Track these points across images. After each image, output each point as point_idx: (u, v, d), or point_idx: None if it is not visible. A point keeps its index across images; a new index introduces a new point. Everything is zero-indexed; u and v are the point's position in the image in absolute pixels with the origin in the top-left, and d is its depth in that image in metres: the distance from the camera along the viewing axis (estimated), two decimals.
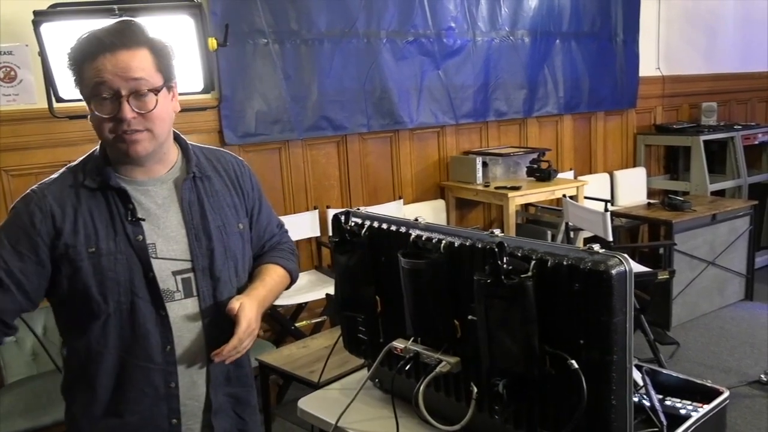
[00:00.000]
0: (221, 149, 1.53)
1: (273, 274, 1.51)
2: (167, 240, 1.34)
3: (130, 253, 1.29)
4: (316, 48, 3.77)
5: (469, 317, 1.25)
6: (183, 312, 1.34)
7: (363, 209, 1.65)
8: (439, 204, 4.44)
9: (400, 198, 4.26)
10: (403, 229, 1.47)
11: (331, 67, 3.82)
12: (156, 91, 1.26)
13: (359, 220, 1.58)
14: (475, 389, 1.29)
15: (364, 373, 1.70)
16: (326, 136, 3.92)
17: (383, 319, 1.55)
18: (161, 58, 1.28)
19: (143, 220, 1.32)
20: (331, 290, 1.85)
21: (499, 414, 1.23)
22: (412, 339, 1.41)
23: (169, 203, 1.36)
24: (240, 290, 1.44)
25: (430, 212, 4.29)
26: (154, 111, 1.26)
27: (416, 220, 1.49)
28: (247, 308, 1.36)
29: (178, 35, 2.44)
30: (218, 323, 1.37)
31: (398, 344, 1.41)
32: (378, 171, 4.20)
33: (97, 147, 1.37)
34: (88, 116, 1.29)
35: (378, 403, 1.62)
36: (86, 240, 1.28)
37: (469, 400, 1.31)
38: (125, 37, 1.25)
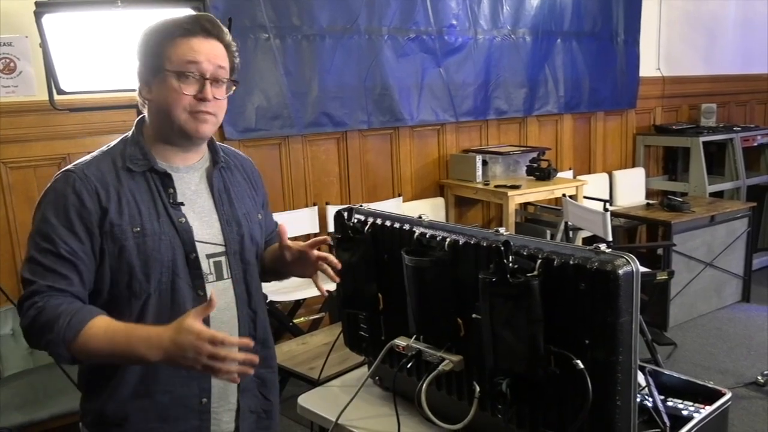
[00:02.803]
0: (231, 147, 1.60)
1: None
2: (202, 224, 1.39)
3: (173, 234, 1.34)
4: (318, 44, 3.75)
5: (473, 316, 1.24)
6: (218, 294, 1.35)
7: (363, 206, 1.64)
8: (439, 202, 4.44)
9: (399, 195, 4.25)
10: (406, 227, 1.46)
11: (332, 63, 3.81)
12: (230, 82, 1.38)
13: (362, 217, 1.57)
14: (478, 388, 1.29)
15: (364, 371, 1.70)
16: (326, 132, 3.91)
17: (385, 316, 1.54)
18: (233, 56, 1.39)
19: (183, 204, 1.37)
20: (332, 287, 1.84)
21: (501, 413, 1.22)
22: (414, 337, 1.41)
23: (202, 190, 1.42)
24: (259, 274, 1.51)
25: (430, 210, 4.29)
26: (222, 100, 1.37)
27: (420, 217, 1.48)
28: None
29: None
30: (249, 304, 1.44)
31: (400, 342, 1.41)
32: (378, 168, 4.19)
33: (129, 134, 1.40)
34: (151, 89, 1.33)
35: (379, 400, 1.62)
36: (131, 220, 1.31)
37: (472, 399, 1.30)
38: (217, 28, 1.35)
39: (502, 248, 1.16)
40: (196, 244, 1.36)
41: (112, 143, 1.41)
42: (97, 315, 1.25)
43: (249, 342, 1.27)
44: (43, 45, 2.35)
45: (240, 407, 1.45)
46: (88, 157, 1.37)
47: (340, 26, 3.81)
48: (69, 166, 1.35)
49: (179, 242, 1.34)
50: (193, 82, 1.31)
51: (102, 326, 1.24)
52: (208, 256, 1.39)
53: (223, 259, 1.41)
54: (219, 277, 1.40)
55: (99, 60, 2.36)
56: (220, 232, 1.41)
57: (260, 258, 1.56)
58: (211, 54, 1.33)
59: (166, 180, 1.37)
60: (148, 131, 1.40)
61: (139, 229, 1.31)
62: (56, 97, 2.47)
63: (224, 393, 1.42)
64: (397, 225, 1.49)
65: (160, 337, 1.20)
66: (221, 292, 1.39)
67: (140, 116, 1.42)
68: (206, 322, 1.31)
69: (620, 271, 1.06)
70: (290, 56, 3.67)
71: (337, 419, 1.51)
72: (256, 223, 1.50)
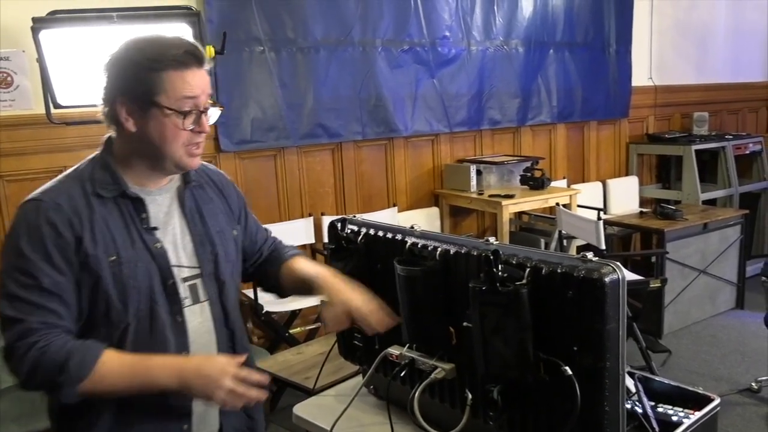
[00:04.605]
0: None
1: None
2: (175, 248, 1.36)
3: (149, 261, 1.31)
4: (312, 56, 3.79)
5: (464, 324, 1.26)
6: (194, 318, 1.37)
7: (358, 216, 1.66)
8: (434, 211, 4.46)
9: (394, 205, 4.27)
10: (399, 237, 1.48)
11: (326, 75, 3.84)
12: (217, 107, 1.37)
13: (355, 228, 1.59)
14: (470, 396, 1.31)
15: (359, 380, 1.71)
16: (321, 143, 3.94)
17: None
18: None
19: (156, 228, 1.34)
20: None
21: (493, 420, 1.24)
22: (407, 346, 1.42)
23: (174, 211, 1.39)
24: (237, 291, 1.49)
25: (425, 220, 4.30)
26: None
27: (412, 227, 1.50)
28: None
29: None
30: (226, 324, 1.43)
31: (393, 351, 1.43)
32: (372, 178, 4.22)
33: (95, 156, 1.36)
34: (136, 121, 1.27)
35: (373, 409, 1.63)
36: (105, 248, 1.27)
37: (464, 406, 1.32)
38: (202, 55, 1.31)
39: (492, 257, 1.19)
40: (173, 269, 1.34)
41: (80, 165, 1.35)
42: (104, 349, 1.24)
43: (265, 379, 1.31)
44: (40, 60, 2.37)
45: (223, 427, 1.44)
46: (54, 182, 1.31)
47: (334, 38, 3.85)
48: (36, 194, 1.28)
49: (156, 268, 1.31)
50: (190, 117, 1.29)
51: (115, 360, 1.23)
52: (184, 280, 1.36)
53: (198, 281, 1.38)
54: (195, 300, 1.38)
55: (95, 74, 2.38)
56: (193, 254, 1.38)
57: (277, 275, 1.58)
58: (204, 86, 1.31)
59: (138, 205, 1.33)
60: (119, 153, 1.34)
61: (114, 257, 1.27)
62: (53, 110, 2.50)
63: (205, 416, 1.41)
64: (389, 235, 1.51)
65: (181, 366, 1.24)
66: (198, 314, 1.38)
67: (108, 136, 1.36)
68: (186, 347, 1.34)
69: (606, 279, 1.08)
70: (285, 68, 3.70)
71: (332, 428, 1.52)
72: (230, 239, 1.47)
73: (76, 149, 3.07)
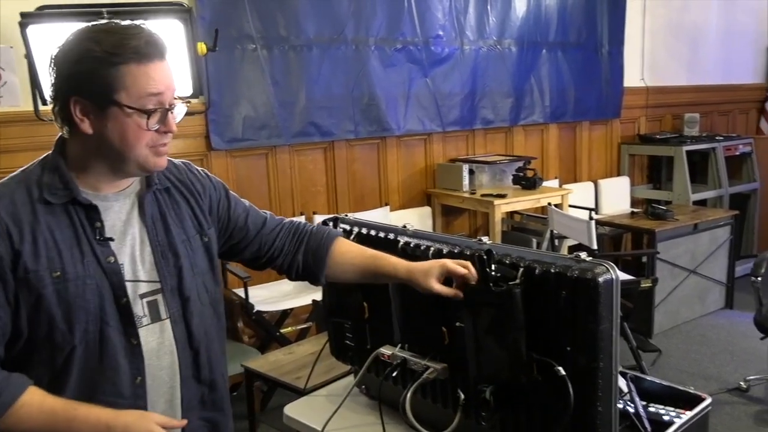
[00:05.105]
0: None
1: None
2: (133, 260, 1.22)
3: (100, 277, 1.16)
4: (305, 54, 3.77)
5: (457, 324, 1.26)
6: (153, 338, 1.22)
7: (350, 216, 1.66)
8: (426, 211, 4.46)
9: (386, 205, 4.26)
10: (391, 236, 1.48)
11: (319, 73, 3.83)
12: (184, 103, 1.23)
13: (347, 227, 1.59)
14: (462, 396, 1.30)
15: (350, 380, 1.71)
16: (313, 142, 3.92)
17: (370, 325, 1.55)
18: None
19: (112, 239, 1.19)
20: (318, 296, 1.85)
21: (486, 420, 1.24)
22: (399, 345, 1.42)
23: (133, 219, 1.24)
24: (212, 304, 1.33)
25: (417, 219, 4.30)
26: None
27: (404, 227, 1.50)
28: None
29: (167, 40, 2.44)
30: (190, 344, 1.28)
31: (385, 351, 1.42)
32: (365, 177, 4.21)
33: (47, 156, 1.21)
34: (92, 122, 1.13)
35: (365, 409, 1.62)
36: (49, 263, 1.13)
37: (456, 406, 1.32)
38: (165, 46, 1.17)
39: (485, 257, 1.18)
40: (127, 285, 1.19)
41: (28, 167, 1.21)
42: (27, 387, 1.11)
43: (183, 423, 1.23)
44: (28, 56, 2.35)
45: None
46: None
47: (327, 37, 3.83)
48: None
49: (107, 286, 1.17)
50: (155, 115, 1.15)
51: (36, 404, 1.10)
52: (142, 296, 1.21)
53: (159, 297, 1.23)
54: (155, 318, 1.23)
55: None
56: (153, 267, 1.23)
57: (323, 264, 1.41)
58: (169, 80, 1.17)
59: (91, 213, 1.18)
60: (73, 154, 1.19)
61: (59, 273, 1.13)
62: (41, 107, 2.47)
63: None
64: (381, 234, 1.51)
65: (107, 422, 1.11)
66: (158, 334, 1.23)
67: (60, 136, 1.21)
68: (140, 372, 1.21)
69: (600, 279, 1.08)
70: (277, 66, 3.68)
71: (323, 428, 1.51)
72: (198, 248, 1.31)
73: None
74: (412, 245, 1.41)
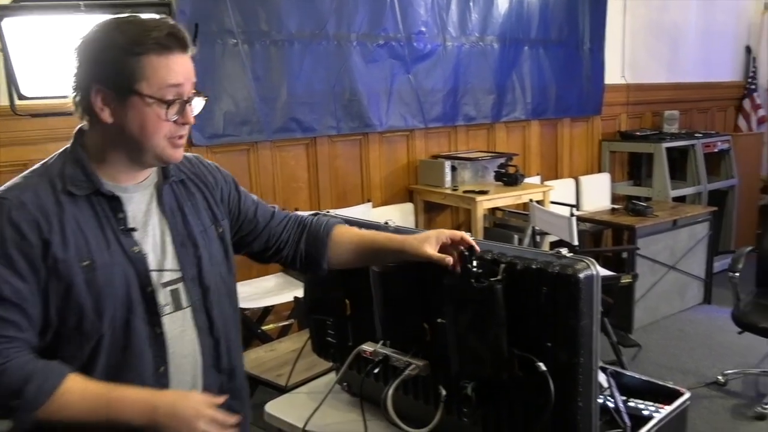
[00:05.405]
0: None
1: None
2: (155, 250, 1.25)
3: (126, 266, 1.19)
4: (286, 49, 3.75)
5: (439, 320, 1.26)
6: (175, 326, 1.25)
7: (332, 212, 1.65)
8: (408, 207, 4.45)
9: (368, 201, 4.25)
10: None
11: (300, 68, 3.80)
12: (201, 97, 1.25)
13: None
14: (444, 392, 1.30)
15: (332, 377, 1.70)
16: (295, 137, 3.90)
17: (352, 322, 1.55)
18: None
19: (135, 230, 1.23)
20: (299, 293, 1.84)
21: (467, 417, 1.24)
22: (381, 342, 1.41)
23: (153, 210, 1.27)
24: (229, 294, 1.36)
25: (399, 215, 4.30)
26: None
27: (386, 223, 1.50)
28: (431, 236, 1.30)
29: None
30: (211, 333, 1.30)
31: (367, 347, 1.42)
32: (347, 174, 4.19)
33: (65, 149, 1.24)
34: (113, 110, 1.16)
35: (346, 406, 1.62)
36: (78, 252, 1.15)
37: (438, 403, 1.32)
38: (187, 39, 1.19)
39: (467, 253, 1.18)
40: (152, 275, 1.22)
41: (49, 160, 1.23)
42: (67, 374, 1.12)
43: (240, 418, 1.24)
44: (3, 49, 2.30)
45: None
46: (19, 179, 1.19)
47: (309, 32, 3.81)
48: (0, 192, 1.16)
49: (134, 274, 1.20)
50: (174, 106, 1.18)
51: (78, 390, 1.12)
52: (164, 285, 1.24)
53: (180, 285, 1.26)
54: (177, 306, 1.26)
55: (61, 65, 2.32)
56: (174, 257, 1.26)
57: (325, 252, 1.42)
58: (189, 73, 1.20)
59: (114, 204, 1.21)
60: (92, 146, 1.22)
61: (88, 262, 1.15)
62: (17, 102, 2.42)
63: None
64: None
65: (153, 404, 1.13)
66: (180, 322, 1.26)
67: (79, 127, 1.24)
68: (164, 361, 1.23)
69: (581, 275, 1.09)
70: (259, 62, 3.65)
71: (305, 426, 1.51)
72: (214, 239, 1.34)
73: (41, 142, 3.00)
74: None
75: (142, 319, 1.21)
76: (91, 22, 1.22)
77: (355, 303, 1.52)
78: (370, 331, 1.44)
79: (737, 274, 3.31)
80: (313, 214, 1.55)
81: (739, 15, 6.41)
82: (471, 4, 4.49)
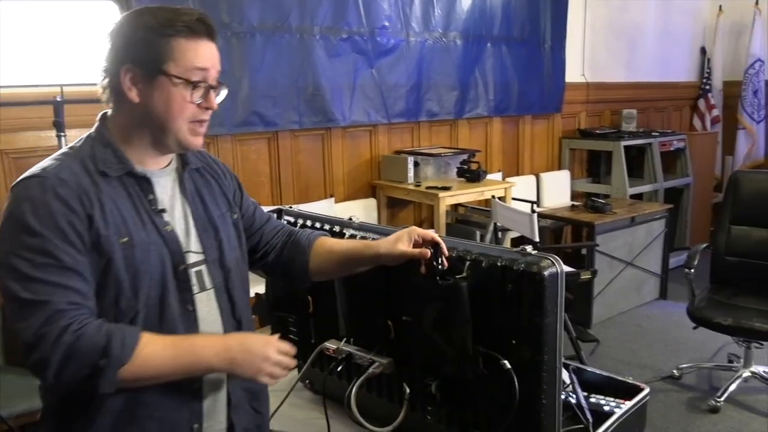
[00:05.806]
0: None
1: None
2: (181, 232, 1.28)
3: (160, 244, 1.22)
4: (248, 42, 3.68)
5: (403, 318, 1.25)
6: (202, 306, 1.28)
7: (295, 207, 1.62)
8: (371, 203, 4.44)
9: (331, 196, 4.22)
10: (336, 228, 1.45)
11: (262, 61, 3.74)
12: (222, 87, 1.29)
13: (292, 218, 1.55)
14: (408, 390, 1.29)
15: (294, 374, 1.68)
16: (257, 132, 3.84)
17: (315, 319, 1.53)
18: None
19: (165, 211, 1.26)
20: (262, 289, 1.81)
21: (432, 414, 1.23)
22: (344, 340, 1.40)
23: (176, 195, 1.31)
24: (244, 278, 1.40)
25: (362, 211, 4.28)
26: None
27: (350, 219, 1.48)
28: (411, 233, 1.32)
29: (101, 22, 2.33)
30: (233, 314, 1.34)
31: (330, 345, 1.40)
32: (309, 168, 4.15)
33: (91, 134, 1.25)
34: (140, 90, 1.19)
35: (309, 404, 1.60)
36: (116, 229, 1.17)
37: (402, 400, 1.30)
38: (213, 28, 1.25)
39: (432, 250, 1.17)
40: (184, 254, 1.26)
41: (75, 144, 1.25)
42: (141, 330, 1.15)
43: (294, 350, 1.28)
44: None
45: (234, 426, 1.33)
46: (51, 160, 1.20)
47: (271, 24, 3.75)
48: (35, 171, 1.16)
49: (168, 253, 1.23)
50: (199, 89, 1.22)
51: (158, 341, 1.15)
52: (191, 266, 1.27)
53: (203, 267, 1.30)
54: (202, 287, 1.29)
55: (11, 54, 2.23)
56: (198, 240, 1.30)
57: (307, 261, 1.44)
58: (215, 60, 1.25)
59: (144, 185, 1.25)
60: (117, 129, 1.25)
61: (126, 239, 1.17)
62: None
63: (213, 412, 1.31)
64: (327, 227, 1.48)
65: (225, 343, 1.20)
66: (205, 303, 1.29)
67: (103, 113, 1.27)
68: (195, 334, 1.26)
69: (546, 273, 1.09)
70: (220, 54, 3.57)
71: (267, 423, 1.47)
72: (230, 225, 1.39)
73: (16, 131, 2.86)
74: (358, 238, 1.39)
75: (175, 297, 1.23)
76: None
77: (319, 300, 1.50)
78: (333, 328, 1.42)
79: (692, 270, 3.39)
80: (300, 226, 1.57)
81: (695, 17, 6.57)
82: None
